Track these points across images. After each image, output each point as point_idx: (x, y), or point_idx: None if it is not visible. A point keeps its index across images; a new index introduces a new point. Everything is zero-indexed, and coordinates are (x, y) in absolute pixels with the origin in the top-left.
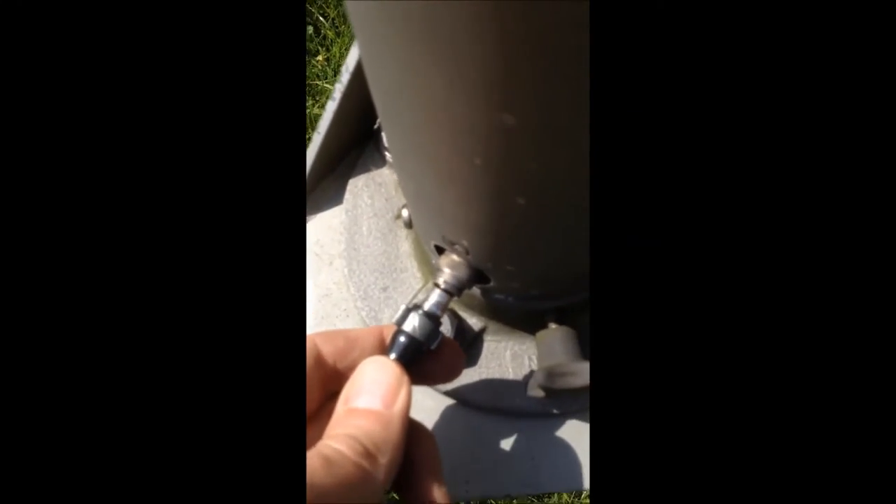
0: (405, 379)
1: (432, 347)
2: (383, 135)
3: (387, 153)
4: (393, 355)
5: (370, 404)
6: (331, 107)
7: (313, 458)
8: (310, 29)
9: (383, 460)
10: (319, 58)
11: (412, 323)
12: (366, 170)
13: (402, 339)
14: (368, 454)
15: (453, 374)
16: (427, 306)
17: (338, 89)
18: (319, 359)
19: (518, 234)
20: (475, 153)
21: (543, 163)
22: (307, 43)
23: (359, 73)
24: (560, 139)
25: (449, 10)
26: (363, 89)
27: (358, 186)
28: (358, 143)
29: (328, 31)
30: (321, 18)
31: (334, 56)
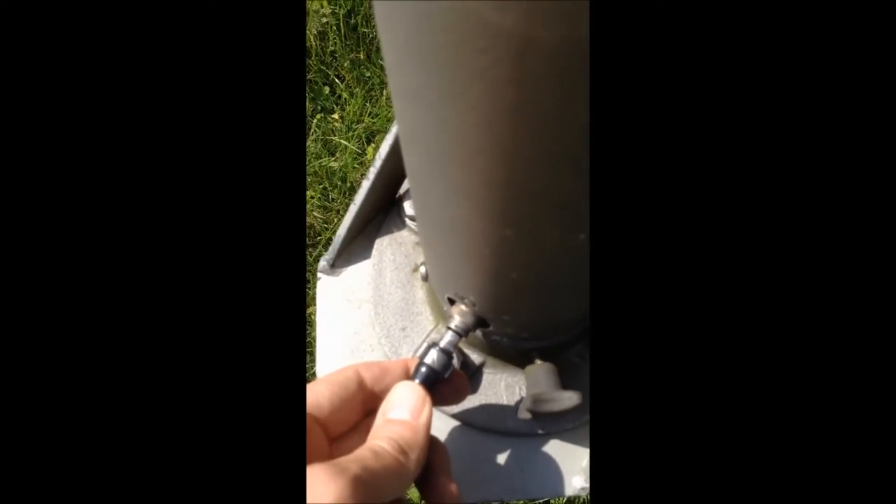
0: (428, 399)
1: (446, 376)
2: (405, 205)
3: (408, 220)
4: (417, 381)
5: (402, 416)
6: (365, 185)
7: (364, 450)
8: (326, 89)
9: (413, 457)
10: (335, 115)
11: (432, 357)
12: (389, 231)
13: (423, 369)
14: (403, 451)
15: (461, 396)
16: (442, 344)
17: (371, 172)
18: (361, 383)
19: (512, 296)
20: (484, 245)
21: (528, 257)
22: (324, 101)
23: (388, 158)
24: (545, 245)
25: (474, 177)
26: (388, 169)
27: (383, 245)
28: (383, 209)
29: (343, 92)
30: (337, 80)
31: (348, 115)
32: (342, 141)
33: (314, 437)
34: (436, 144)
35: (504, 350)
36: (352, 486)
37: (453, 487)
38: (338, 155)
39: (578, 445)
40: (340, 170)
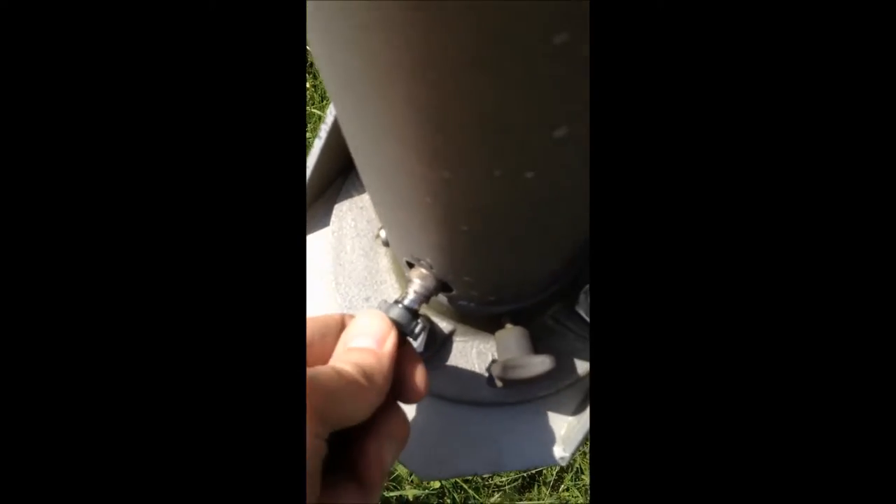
0: (394, 328)
1: (413, 340)
2: None
3: None
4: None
5: (366, 344)
6: (318, 144)
7: (326, 369)
8: None
9: (377, 383)
10: (307, 84)
11: (394, 312)
12: (349, 195)
13: None
14: (366, 376)
15: (417, 395)
16: (406, 302)
17: (323, 129)
18: (343, 326)
19: (466, 253)
20: (426, 194)
21: (475, 203)
22: None
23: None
24: (489, 187)
25: (396, 107)
26: None
27: (343, 210)
28: (342, 172)
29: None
30: (308, 49)
31: (321, 84)
32: (314, 111)
33: None
34: (347, 64)
35: (474, 316)
36: (311, 397)
37: (392, 458)
38: (310, 124)
39: (556, 413)
40: None
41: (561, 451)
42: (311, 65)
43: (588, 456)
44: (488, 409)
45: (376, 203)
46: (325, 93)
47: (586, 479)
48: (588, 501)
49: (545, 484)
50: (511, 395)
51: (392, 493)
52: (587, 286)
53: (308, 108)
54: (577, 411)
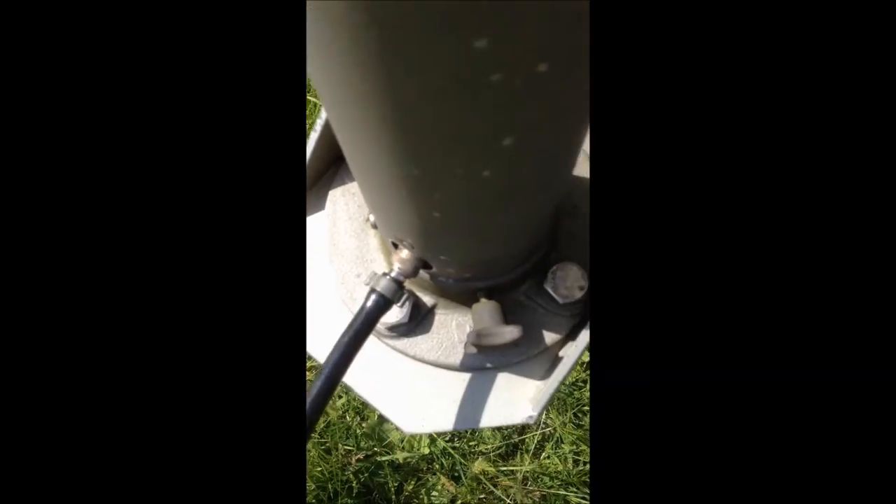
0: None
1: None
2: None
3: None
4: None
5: None
6: (314, 136)
7: None
8: None
9: None
10: None
11: (381, 284)
12: (342, 182)
13: (374, 295)
14: None
15: None
16: (392, 275)
17: (319, 123)
18: None
19: (440, 236)
20: (401, 186)
21: (443, 195)
22: None
23: None
24: (453, 182)
25: (371, 120)
26: None
27: (336, 196)
28: (335, 161)
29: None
30: None
31: None
32: (312, 98)
33: None
34: (334, 88)
35: (453, 291)
36: None
37: None
38: (310, 111)
39: (526, 377)
40: None
41: (530, 411)
42: None
43: (567, 426)
44: (466, 374)
45: (363, 190)
46: None
47: (566, 447)
48: (566, 468)
49: (527, 451)
50: (486, 361)
51: (384, 458)
52: (554, 266)
53: (308, 96)
54: (545, 377)
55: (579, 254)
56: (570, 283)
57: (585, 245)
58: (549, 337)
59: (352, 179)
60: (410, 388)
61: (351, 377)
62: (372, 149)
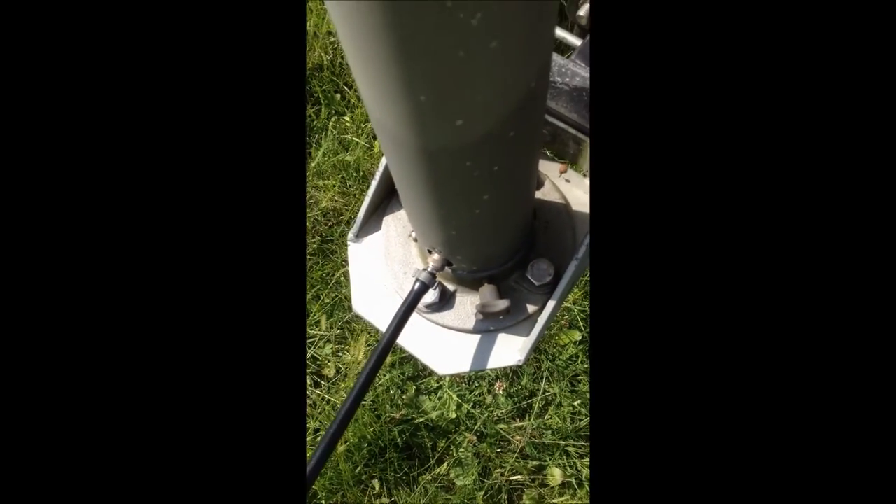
0: None
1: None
2: None
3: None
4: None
5: None
6: (374, 180)
7: None
8: (337, 96)
9: None
10: (346, 117)
11: (421, 276)
12: (392, 211)
13: (417, 284)
14: None
15: None
16: (429, 269)
17: (378, 170)
18: None
19: (456, 246)
20: (432, 218)
21: (455, 222)
22: (336, 106)
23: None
24: (460, 214)
25: (415, 183)
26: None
27: (388, 220)
28: (388, 196)
29: (352, 97)
30: (346, 88)
31: (357, 116)
32: (354, 138)
33: None
34: (382, 133)
35: (467, 280)
36: None
37: None
38: (351, 150)
39: (515, 336)
40: (354, 162)
41: (519, 356)
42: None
43: (564, 392)
44: (477, 335)
45: (410, 217)
46: (360, 124)
47: (565, 409)
48: (565, 425)
49: (533, 413)
50: (490, 325)
51: (420, 420)
52: (532, 261)
53: (349, 136)
54: (528, 334)
55: (549, 253)
56: (542, 272)
57: (553, 247)
58: (530, 308)
59: (400, 208)
60: (441, 344)
61: (402, 339)
62: (418, 199)
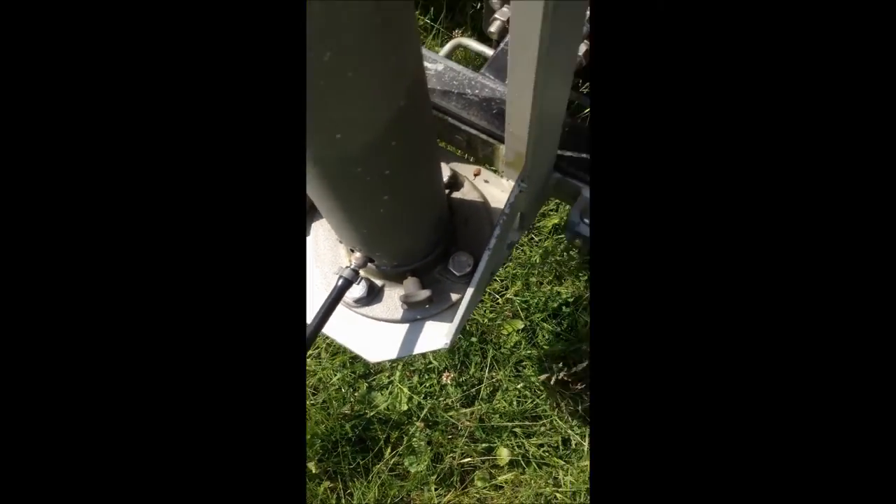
0: None
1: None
2: None
3: None
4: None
5: None
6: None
7: None
8: None
9: None
10: None
11: (344, 273)
12: (319, 217)
13: (340, 280)
14: None
15: None
16: (352, 266)
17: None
18: None
19: (371, 243)
20: (348, 227)
21: (361, 221)
22: None
23: None
24: (364, 213)
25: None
26: None
27: (316, 226)
28: (314, 207)
29: None
30: None
31: None
32: None
33: None
34: (321, 202)
35: (391, 275)
36: None
37: None
38: None
39: (441, 322)
40: None
41: (445, 339)
42: None
43: (509, 378)
44: (405, 324)
45: (327, 220)
46: None
47: (511, 394)
48: (511, 408)
49: (481, 399)
50: (417, 314)
51: (372, 414)
52: (453, 255)
53: None
54: (452, 320)
55: (469, 246)
56: (462, 263)
57: (473, 240)
58: (454, 297)
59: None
60: (371, 335)
61: (333, 331)
62: (328, 203)
